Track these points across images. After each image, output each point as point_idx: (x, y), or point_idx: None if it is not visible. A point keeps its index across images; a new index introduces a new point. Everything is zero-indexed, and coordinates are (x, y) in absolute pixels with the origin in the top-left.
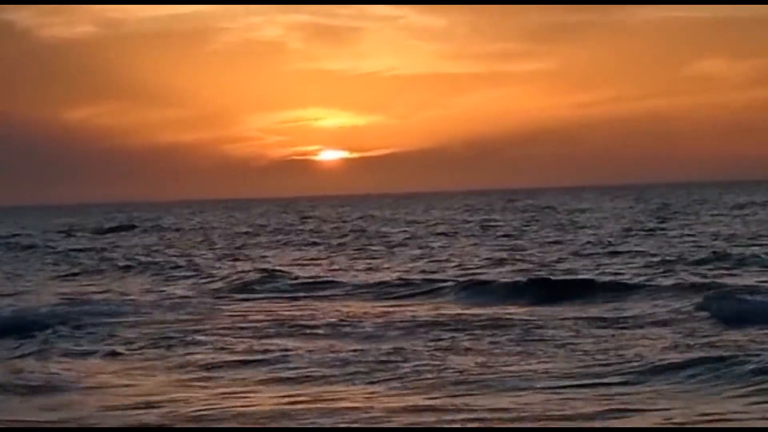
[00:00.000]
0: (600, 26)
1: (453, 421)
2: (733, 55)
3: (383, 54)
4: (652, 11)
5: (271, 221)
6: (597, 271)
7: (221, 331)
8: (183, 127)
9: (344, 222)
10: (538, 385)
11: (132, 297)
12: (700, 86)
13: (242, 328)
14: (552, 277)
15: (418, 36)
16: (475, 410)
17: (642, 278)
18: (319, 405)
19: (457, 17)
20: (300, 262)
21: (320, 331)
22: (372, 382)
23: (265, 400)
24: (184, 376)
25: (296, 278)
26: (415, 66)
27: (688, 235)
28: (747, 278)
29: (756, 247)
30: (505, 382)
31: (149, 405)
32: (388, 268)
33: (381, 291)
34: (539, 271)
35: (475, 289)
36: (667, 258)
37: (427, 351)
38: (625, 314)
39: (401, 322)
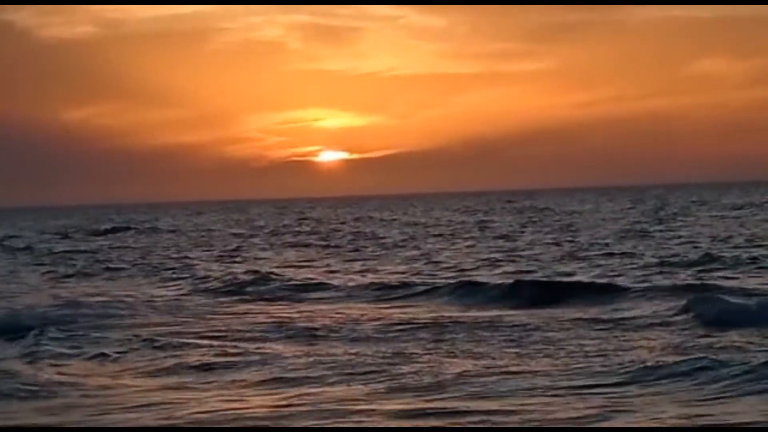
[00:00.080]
0: (600, 26)
1: (454, 423)
2: (733, 54)
3: (383, 54)
4: (652, 11)
5: (269, 223)
6: (592, 273)
7: (215, 333)
8: (183, 128)
9: (342, 223)
10: (537, 387)
11: (125, 299)
12: (700, 86)
13: (236, 330)
14: (547, 279)
15: (418, 36)
16: (476, 413)
17: (635, 280)
18: (318, 406)
19: (457, 17)
20: (295, 263)
21: (316, 333)
22: (371, 384)
23: (263, 402)
24: (179, 378)
25: (290, 280)
26: (415, 66)
27: (685, 236)
28: (739, 280)
29: (753, 249)
30: (505, 383)
31: (144, 407)
32: (383, 270)
33: (376, 293)
34: (535, 272)
35: (471, 291)
36: (661, 260)
37: (425, 353)
38: (615, 316)
39: (398, 324)
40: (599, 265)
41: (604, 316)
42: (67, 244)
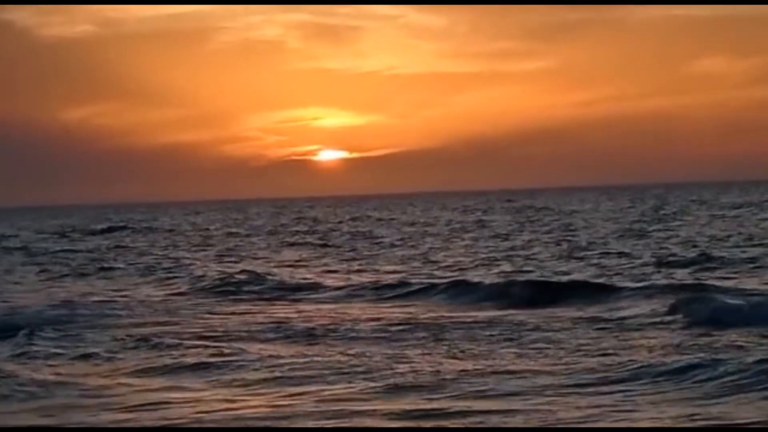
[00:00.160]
0: (600, 25)
1: (454, 423)
2: (733, 53)
3: (383, 53)
4: (652, 10)
5: (267, 222)
6: (588, 273)
7: (212, 333)
8: (182, 127)
9: (340, 223)
10: (537, 386)
11: (119, 298)
12: (701, 85)
13: (233, 330)
14: (542, 279)
15: (418, 35)
16: (476, 413)
17: (632, 279)
18: (318, 406)
19: (457, 16)
20: (293, 263)
21: (314, 333)
22: (370, 384)
23: (262, 401)
24: (176, 377)
25: (287, 280)
26: (414, 65)
27: (683, 236)
28: (736, 280)
29: (751, 249)
30: (505, 383)
31: (141, 407)
32: (381, 269)
33: (374, 292)
34: (532, 272)
35: (468, 291)
36: (659, 259)
37: (422, 353)
38: (612, 315)
39: (397, 324)
40: (597, 265)
41: (602, 316)
42: (63, 243)
